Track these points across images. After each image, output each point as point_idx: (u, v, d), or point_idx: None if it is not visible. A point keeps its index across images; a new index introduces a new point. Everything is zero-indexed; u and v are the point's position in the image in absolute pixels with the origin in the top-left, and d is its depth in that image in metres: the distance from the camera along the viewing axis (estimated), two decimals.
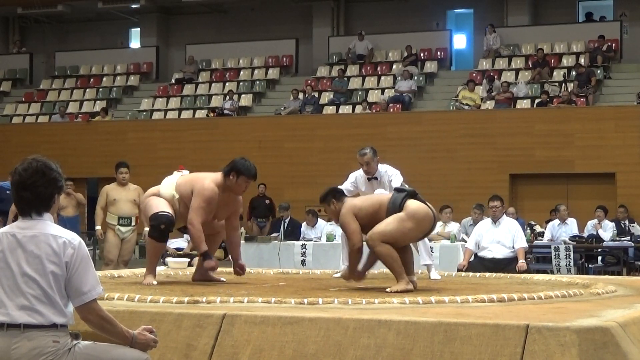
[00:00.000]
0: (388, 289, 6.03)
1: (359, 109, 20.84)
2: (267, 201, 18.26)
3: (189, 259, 9.93)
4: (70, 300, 3.86)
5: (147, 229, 11.66)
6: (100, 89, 24.39)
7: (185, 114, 22.43)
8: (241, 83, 23.32)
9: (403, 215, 6.21)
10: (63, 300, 3.82)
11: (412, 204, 6.27)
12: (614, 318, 4.46)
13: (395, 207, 6.26)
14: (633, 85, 20.05)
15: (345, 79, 22.31)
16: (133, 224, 11.19)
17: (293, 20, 24.43)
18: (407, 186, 6.70)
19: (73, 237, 3.87)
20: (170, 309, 4.97)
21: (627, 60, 21.35)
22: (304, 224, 14.89)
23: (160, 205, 6.89)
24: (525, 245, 10.55)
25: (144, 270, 7.89)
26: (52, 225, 3.89)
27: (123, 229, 11.12)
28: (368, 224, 6.39)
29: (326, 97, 21.76)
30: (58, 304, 3.80)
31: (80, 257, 3.84)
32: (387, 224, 6.17)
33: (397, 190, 6.50)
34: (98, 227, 11.37)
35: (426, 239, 7.71)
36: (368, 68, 22.66)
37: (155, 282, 6.76)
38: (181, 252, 12.89)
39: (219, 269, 7.21)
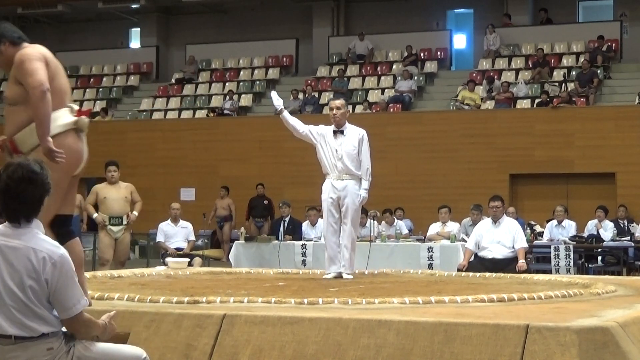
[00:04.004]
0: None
1: (359, 109, 20.82)
2: (266, 201, 18.23)
3: (188, 259, 9.94)
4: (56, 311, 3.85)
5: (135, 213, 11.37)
6: (100, 89, 24.38)
7: (185, 114, 22.42)
8: (241, 83, 23.31)
9: None
10: (47, 311, 3.79)
11: None
12: (614, 318, 4.46)
13: None
14: (633, 85, 20.04)
15: (345, 79, 22.30)
16: (125, 222, 11.10)
17: (293, 20, 24.41)
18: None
19: (53, 252, 3.80)
20: (170, 309, 4.97)
21: (627, 60, 21.35)
22: (305, 223, 14.88)
23: None
24: (526, 245, 10.54)
25: (143, 270, 7.89)
26: (36, 237, 3.82)
27: (114, 228, 11.03)
28: None
29: (326, 97, 21.71)
30: (41, 315, 3.78)
31: (59, 274, 3.77)
32: None
33: None
34: (95, 215, 11.21)
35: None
36: (368, 68, 22.65)
37: None
38: (181, 252, 12.88)
39: (219, 269, 7.16)
